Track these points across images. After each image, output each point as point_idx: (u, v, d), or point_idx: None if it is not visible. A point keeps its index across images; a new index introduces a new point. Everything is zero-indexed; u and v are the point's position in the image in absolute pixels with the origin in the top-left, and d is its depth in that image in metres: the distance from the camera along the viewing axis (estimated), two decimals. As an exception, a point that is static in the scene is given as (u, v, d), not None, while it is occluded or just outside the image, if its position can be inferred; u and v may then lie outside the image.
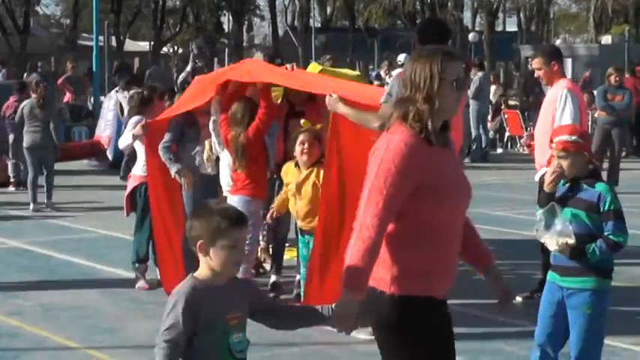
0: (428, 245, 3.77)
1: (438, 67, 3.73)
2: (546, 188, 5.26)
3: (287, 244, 8.82)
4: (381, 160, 3.73)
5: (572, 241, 4.95)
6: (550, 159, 7.65)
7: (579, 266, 5.00)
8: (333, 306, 3.76)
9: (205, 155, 8.13)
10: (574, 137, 5.11)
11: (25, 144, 13.60)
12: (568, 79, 8.12)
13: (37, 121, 13.47)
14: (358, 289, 3.67)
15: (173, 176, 7.95)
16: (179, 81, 12.42)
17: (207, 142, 8.10)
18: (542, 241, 5.12)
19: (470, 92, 19.05)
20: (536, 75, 8.18)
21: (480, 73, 19.98)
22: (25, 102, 13.82)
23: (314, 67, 9.89)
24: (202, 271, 3.70)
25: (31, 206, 13.14)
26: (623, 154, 19.96)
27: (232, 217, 3.64)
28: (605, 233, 4.98)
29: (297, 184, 7.44)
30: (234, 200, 7.60)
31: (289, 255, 8.86)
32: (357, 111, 6.94)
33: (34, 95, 13.79)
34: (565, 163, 5.08)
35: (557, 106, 7.73)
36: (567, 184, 5.15)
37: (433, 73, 3.73)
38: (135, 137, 8.37)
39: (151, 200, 8.19)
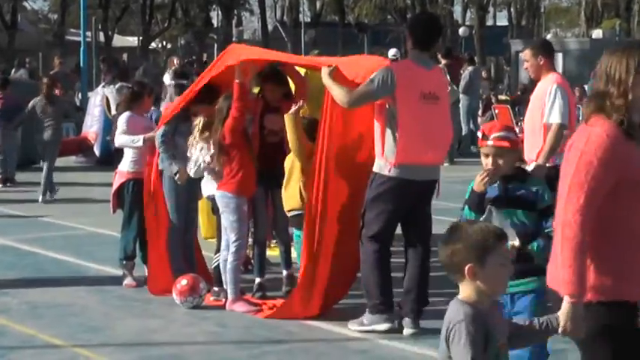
0: (623, 247, 3.66)
1: (635, 61, 3.70)
2: (479, 187, 4.85)
3: (274, 242, 8.78)
4: (581, 154, 3.64)
5: (517, 242, 4.70)
6: (539, 154, 7.66)
7: (518, 268, 4.59)
8: (558, 314, 3.62)
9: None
10: (511, 134, 4.91)
11: (36, 139, 14.04)
12: (558, 73, 8.04)
13: (48, 117, 13.84)
14: (579, 293, 3.57)
15: (172, 174, 7.91)
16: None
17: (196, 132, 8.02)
18: None
19: (460, 87, 18.97)
20: (524, 67, 8.22)
21: (470, 68, 19.93)
22: (36, 99, 14.12)
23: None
24: (469, 297, 3.42)
25: (40, 198, 13.50)
26: None
27: (496, 232, 3.44)
28: (546, 230, 4.75)
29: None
30: (217, 196, 7.57)
31: (273, 252, 8.80)
32: (337, 84, 6.96)
33: (42, 93, 14.14)
34: (501, 161, 4.83)
35: (546, 100, 7.67)
36: (497, 184, 4.87)
37: (629, 68, 3.70)
38: (146, 141, 8.28)
39: (145, 197, 8.13)
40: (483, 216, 4.69)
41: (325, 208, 7.18)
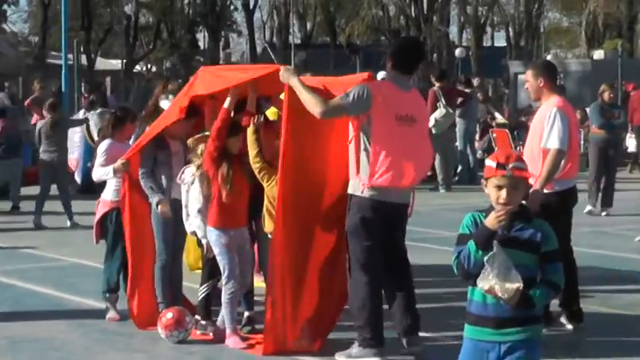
0: None
1: None
2: (494, 225, 4.40)
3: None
4: None
5: (521, 285, 4.28)
6: (537, 180, 7.41)
7: (517, 315, 4.37)
8: None
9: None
10: (525, 165, 4.47)
11: (41, 162, 14.27)
12: (559, 96, 7.84)
13: (52, 141, 14.03)
14: None
15: (154, 206, 7.74)
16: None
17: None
18: (486, 289, 4.33)
19: (456, 110, 18.62)
20: (525, 87, 8.09)
21: (467, 91, 19.59)
22: (41, 122, 14.43)
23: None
24: None
25: (34, 219, 13.78)
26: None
27: None
28: (549, 275, 4.39)
29: None
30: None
31: (260, 284, 8.53)
32: (308, 90, 6.75)
33: (49, 116, 14.32)
34: (516, 195, 4.40)
35: (546, 124, 7.52)
36: None
37: None
38: (116, 172, 8.08)
39: (128, 229, 7.91)
40: (488, 254, 4.31)
41: (290, 232, 6.94)
